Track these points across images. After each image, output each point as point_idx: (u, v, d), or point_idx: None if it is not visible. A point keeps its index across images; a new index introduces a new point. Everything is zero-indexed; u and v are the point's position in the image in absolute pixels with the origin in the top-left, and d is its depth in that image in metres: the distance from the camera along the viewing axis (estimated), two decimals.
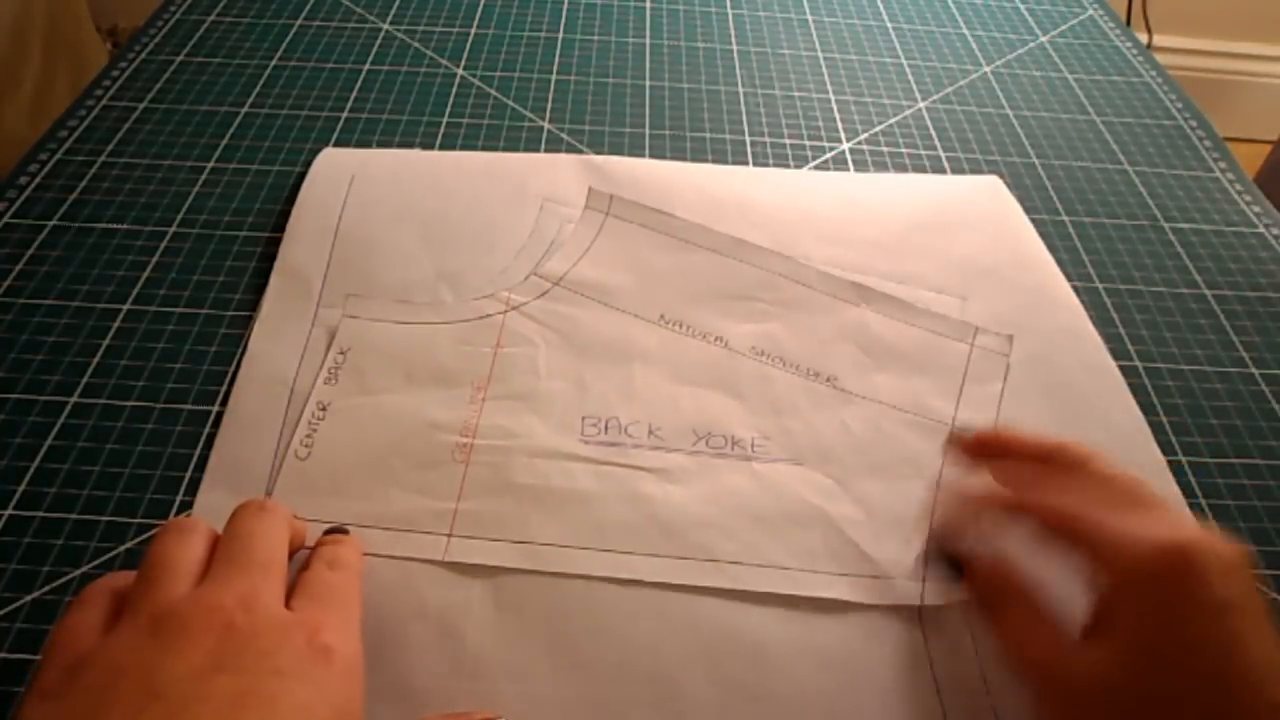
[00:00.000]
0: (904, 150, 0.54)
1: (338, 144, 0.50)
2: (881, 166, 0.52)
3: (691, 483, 0.35)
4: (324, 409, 0.36)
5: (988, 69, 0.62)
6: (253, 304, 0.41)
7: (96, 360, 0.38)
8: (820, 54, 0.62)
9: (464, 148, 0.51)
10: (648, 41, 0.62)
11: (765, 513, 0.34)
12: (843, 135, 0.54)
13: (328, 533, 0.32)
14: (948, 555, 0.32)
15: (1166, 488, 0.36)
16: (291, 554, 0.31)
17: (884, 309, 0.42)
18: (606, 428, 0.37)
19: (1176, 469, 0.38)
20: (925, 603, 0.32)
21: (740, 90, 0.58)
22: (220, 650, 0.23)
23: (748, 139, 0.53)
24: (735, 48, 0.62)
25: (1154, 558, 0.26)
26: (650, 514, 0.34)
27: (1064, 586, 0.29)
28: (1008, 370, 0.40)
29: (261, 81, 0.55)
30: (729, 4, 0.66)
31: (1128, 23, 1.13)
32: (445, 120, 0.53)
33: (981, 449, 0.33)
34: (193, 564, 0.26)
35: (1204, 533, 0.26)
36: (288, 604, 0.26)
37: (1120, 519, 0.27)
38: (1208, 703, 0.24)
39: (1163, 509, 0.28)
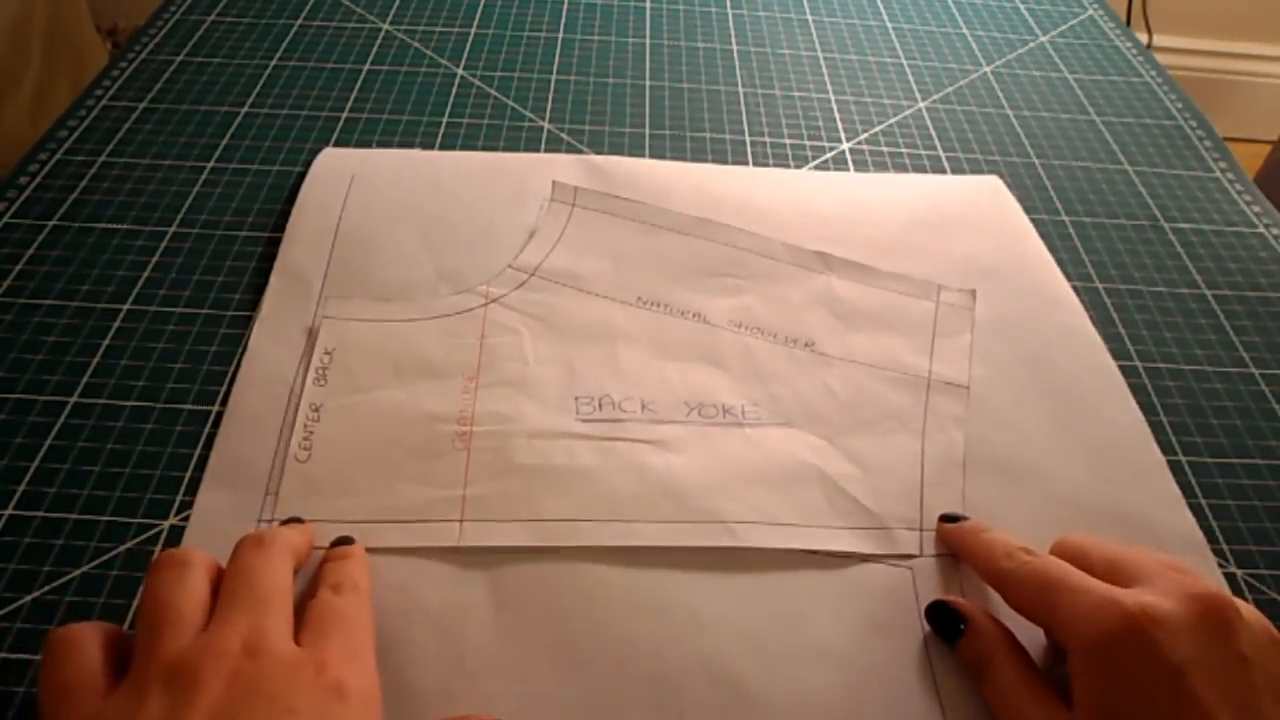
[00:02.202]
0: (904, 150, 0.54)
1: (338, 144, 0.50)
2: (881, 166, 0.52)
3: (690, 451, 0.36)
4: (317, 410, 0.36)
5: (988, 69, 0.62)
6: (253, 304, 0.41)
7: (96, 360, 0.38)
8: (820, 54, 0.62)
9: (464, 148, 0.51)
10: (648, 41, 0.62)
11: (765, 473, 0.35)
12: (843, 135, 0.54)
13: (333, 545, 0.32)
14: (949, 609, 0.31)
15: (1166, 488, 0.37)
16: (300, 566, 0.31)
17: (849, 274, 0.44)
18: (600, 405, 0.37)
19: (1176, 469, 0.38)
20: (923, 552, 0.33)
21: (740, 90, 0.58)
22: (231, 696, 0.23)
23: (748, 139, 0.53)
24: (735, 48, 0.62)
25: (1105, 628, 0.25)
26: (655, 482, 0.35)
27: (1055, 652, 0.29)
28: (974, 323, 0.42)
29: (261, 81, 0.55)
30: (729, 4, 0.66)
31: (1128, 23, 1.13)
32: (445, 120, 0.53)
33: (950, 546, 0.34)
34: (195, 605, 0.26)
35: (1175, 594, 0.26)
36: (297, 636, 0.26)
37: (1094, 588, 0.27)
38: None
39: (1157, 576, 0.27)
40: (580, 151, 0.51)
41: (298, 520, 0.32)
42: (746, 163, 0.52)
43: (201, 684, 0.23)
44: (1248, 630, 0.25)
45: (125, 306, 0.41)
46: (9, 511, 0.33)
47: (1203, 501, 0.37)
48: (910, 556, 0.33)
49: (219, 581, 0.27)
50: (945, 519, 0.34)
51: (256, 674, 0.24)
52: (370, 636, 0.28)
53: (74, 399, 0.37)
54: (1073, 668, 0.26)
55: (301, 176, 0.47)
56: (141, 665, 0.24)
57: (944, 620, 0.31)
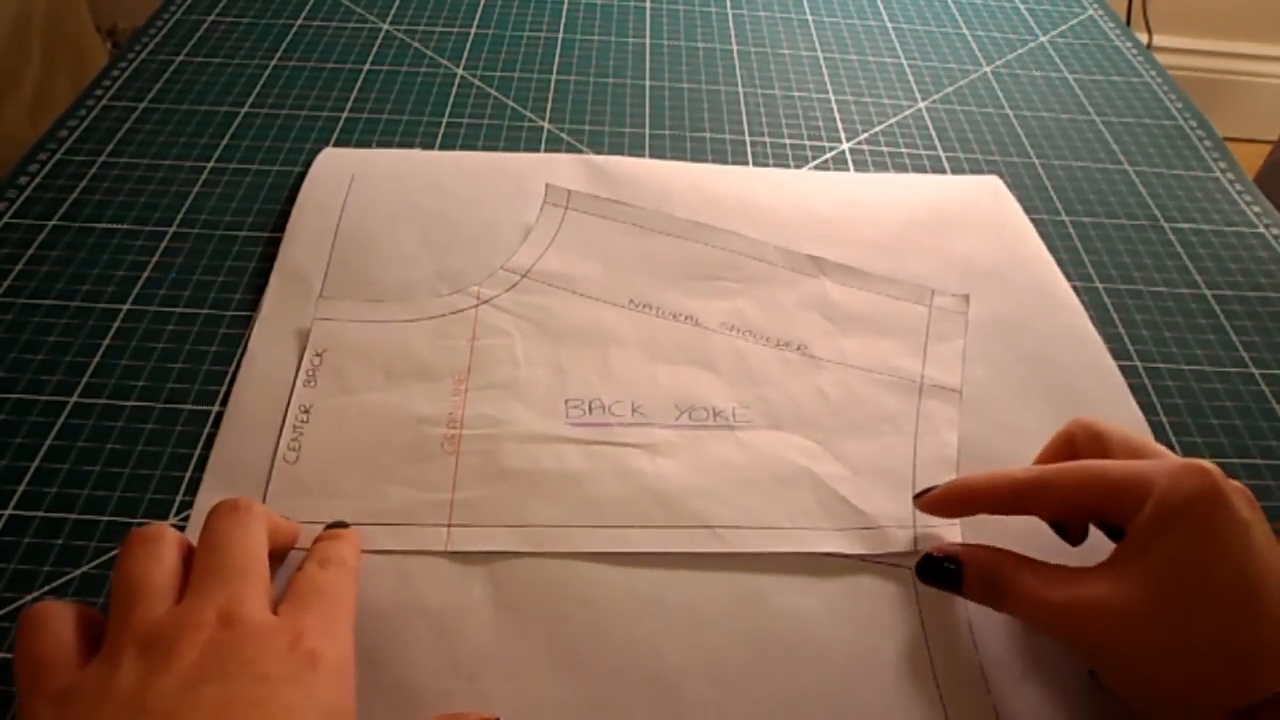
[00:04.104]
0: (904, 150, 0.54)
1: (338, 144, 0.50)
2: (881, 166, 0.52)
3: (679, 455, 0.36)
4: (306, 411, 0.36)
5: (988, 69, 0.62)
6: (253, 304, 0.41)
7: (96, 360, 0.38)
8: (820, 54, 0.62)
9: (464, 148, 0.51)
10: (648, 41, 0.62)
11: (754, 477, 0.35)
12: (843, 135, 0.54)
13: (328, 528, 0.32)
14: (938, 558, 0.31)
15: None
16: (284, 555, 0.31)
17: (841, 278, 0.44)
18: (590, 409, 0.37)
19: None
20: (917, 549, 0.33)
21: (740, 90, 0.58)
22: (204, 663, 0.23)
23: (748, 139, 0.53)
24: (735, 48, 0.62)
25: (1187, 481, 0.27)
26: (644, 487, 0.34)
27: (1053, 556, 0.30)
28: (967, 327, 0.42)
29: (261, 81, 0.55)
30: (729, 4, 0.66)
31: (1128, 23, 1.13)
32: (445, 120, 0.53)
33: (946, 507, 0.33)
34: (167, 579, 0.26)
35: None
36: (277, 607, 0.26)
37: (1163, 454, 0.30)
38: (1235, 606, 0.26)
39: (1163, 451, 0.30)
40: (580, 151, 0.51)
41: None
42: (746, 163, 0.52)
43: (176, 652, 0.23)
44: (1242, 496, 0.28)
45: (125, 306, 0.41)
46: (9, 511, 0.33)
47: None
48: (903, 555, 0.33)
49: (190, 557, 0.27)
50: (921, 494, 0.33)
51: (231, 641, 0.24)
52: (350, 611, 0.28)
53: (74, 399, 0.37)
54: (1143, 528, 0.28)
55: (301, 176, 0.47)
56: (114, 636, 0.24)
57: (939, 571, 0.31)
